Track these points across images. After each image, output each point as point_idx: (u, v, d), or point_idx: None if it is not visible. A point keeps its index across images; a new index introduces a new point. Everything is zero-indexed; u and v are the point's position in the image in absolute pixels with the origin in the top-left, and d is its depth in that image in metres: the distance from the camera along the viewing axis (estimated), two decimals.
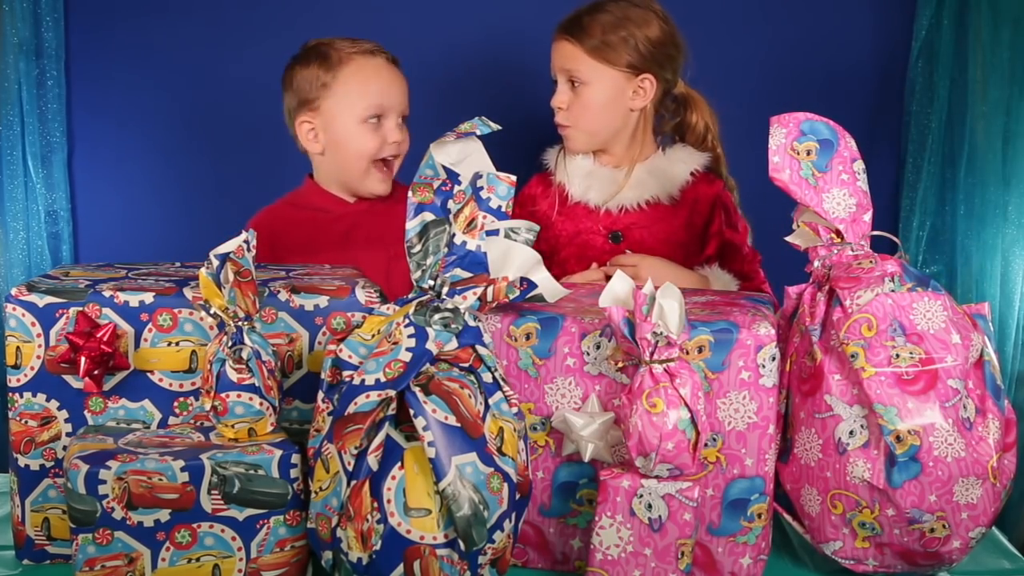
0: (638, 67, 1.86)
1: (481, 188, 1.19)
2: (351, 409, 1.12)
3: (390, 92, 1.90)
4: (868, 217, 1.32)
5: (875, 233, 1.33)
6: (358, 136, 1.88)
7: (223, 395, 1.20)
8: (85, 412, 1.28)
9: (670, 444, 1.16)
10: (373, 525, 1.12)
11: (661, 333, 1.16)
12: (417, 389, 1.13)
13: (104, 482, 1.14)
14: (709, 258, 1.90)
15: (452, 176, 1.20)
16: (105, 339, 1.24)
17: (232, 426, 1.22)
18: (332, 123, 1.89)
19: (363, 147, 1.89)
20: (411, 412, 1.12)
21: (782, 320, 1.37)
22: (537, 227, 1.23)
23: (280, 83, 1.93)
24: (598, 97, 1.86)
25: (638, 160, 1.91)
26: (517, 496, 1.16)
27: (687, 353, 1.21)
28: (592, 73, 1.85)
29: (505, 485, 1.13)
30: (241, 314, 1.21)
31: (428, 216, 1.19)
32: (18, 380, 1.27)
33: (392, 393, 1.12)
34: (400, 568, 1.12)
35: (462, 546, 1.11)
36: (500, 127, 1.21)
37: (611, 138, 1.91)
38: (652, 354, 1.17)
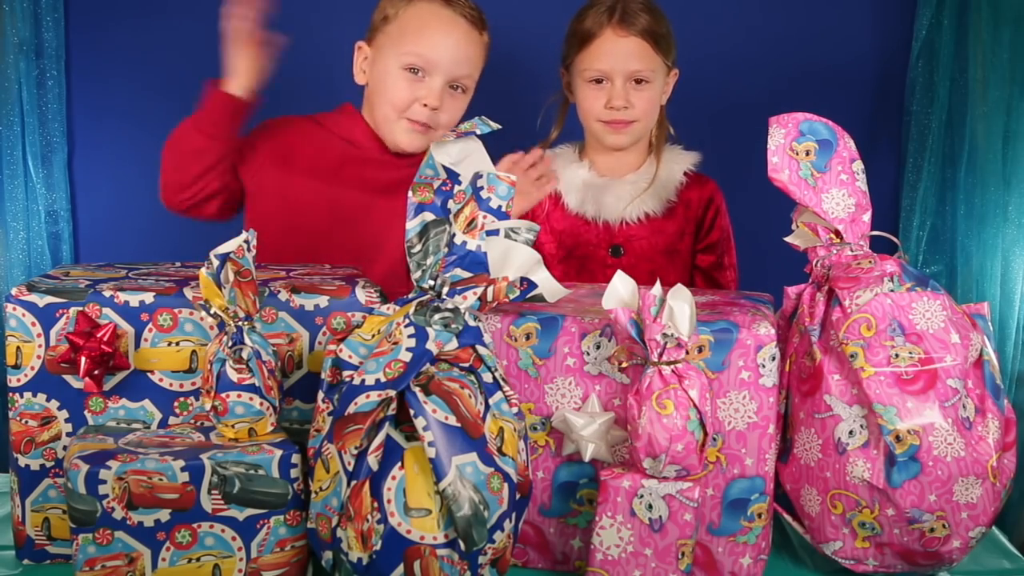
0: (673, 61, 1.85)
1: (481, 188, 1.19)
2: (351, 409, 1.12)
3: (440, 48, 1.73)
4: (867, 217, 1.32)
5: (875, 233, 1.33)
6: (393, 82, 1.75)
7: (223, 395, 1.21)
8: (85, 412, 1.28)
9: (680, 446, 1.16)
10: (373, 525, 1.12)
11: (671, 334, 1.16)
12: (417, 389, 1.13)
13: (104, 482, 1.14)
14: (703, 254, 1.89)
15: (452, 176, 1.20)
16: (105, 339, 1.24)
17: (232, 426, 1.22)
18: (377, 60, 1.79)
19: (394, 96, 1.76)
20: (411, 412, 1.12)
21: (781, 320, 1.37)
22: (537, 227, 1.23)
23: (279, 80, 1.92)
24: (655, 95, 1.84)
25: (642, 163, 1.89)
26: (517, 496, 1.16)
27: (687, 353, 1.22)
28: (656, 70, 1.83)
29: (505, 485, 1.13)
30: (241, 314, 1.21)
31: (428, 216, 1.19)
32: (18, 380, 1.27)
33: (392, 393, 1.12)
34: (400, 568, 1.12)
35: (462, 546, 1.12)
36: (500, 126, 1.21)
37: (646, 137, 1.90)
38: (661, 355, 1.17)
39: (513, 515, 1.15)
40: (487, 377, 1.17)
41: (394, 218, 1.73)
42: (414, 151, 1.80)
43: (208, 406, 1.22)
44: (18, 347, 1.26)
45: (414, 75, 1.76)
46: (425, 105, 1.76)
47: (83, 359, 1.23)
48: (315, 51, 2.15)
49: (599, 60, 1.81)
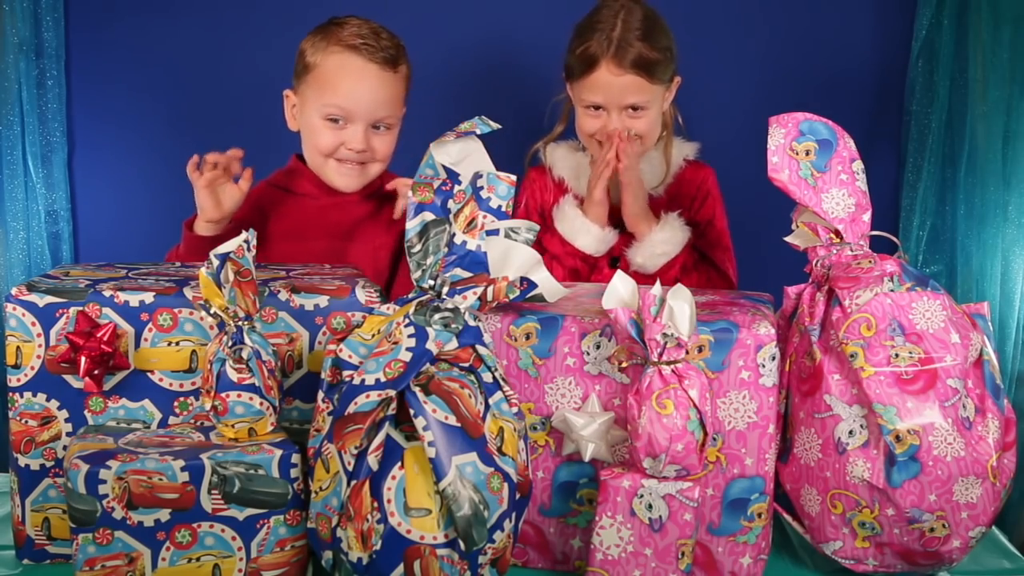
0: (673, 73, 1.86)
1: (481, 188, 1.19)
2: (351, 409, 1.12)
3: (355, 98, 1.78)
4: (867, 217, 1.32)
5: (875, 233, 1.33)
6: (318, 131, 1.81)
7: (223, 395, 1.21)
8: (85, 412, 1.28)
9: (679, 445, 1.16)
10: (373, 525, 1.12)
11: (671, 334, 1.16)
12: (417, 389, 1.13)
13: (104, 482, 1.14)
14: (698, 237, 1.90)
15: (452, 176, 1.20)
16: (105, 339, 1.24)
17: (232, 426, 1.22)
18: (303, 108, 1.84)
19: (320, 143, 1.81)
20: (411, 412, 1.12)
21: (781, 320, 1.37)
22: (537, 227, 1.23)
23: (281, 80, 1.93)
24: (653, 117, 1.85)
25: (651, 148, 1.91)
26: (517, 496, 1.16)
27: (687, 353, 1.22)
28: (653, 98, 1.83)
29: (505, 485, 1.13)
30: (241, 314, 1.21)
31: (428, 216, 1.19)
32: (18, 380, 1.27)
33: (392, 393, 1.12)
34: (400, 568, 1.12)
35: (462, 546, 1.12)
36: (500, 126, 1.21)
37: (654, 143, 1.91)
38: (661, 355, 1.17)
39: (513, 515, 1.15)
40: (487, 377, 1.17)
41: (363, 260, 1.82)
42: (351, 190, 1.86)
43: (208, 406, 1.22)
44: (18, 347, 1.26)
45: (335, 123, 1.80)
46: (351, 149, 1.81)
47: (83, 359, 1.23)
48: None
49: (594, 93, 1.83)
